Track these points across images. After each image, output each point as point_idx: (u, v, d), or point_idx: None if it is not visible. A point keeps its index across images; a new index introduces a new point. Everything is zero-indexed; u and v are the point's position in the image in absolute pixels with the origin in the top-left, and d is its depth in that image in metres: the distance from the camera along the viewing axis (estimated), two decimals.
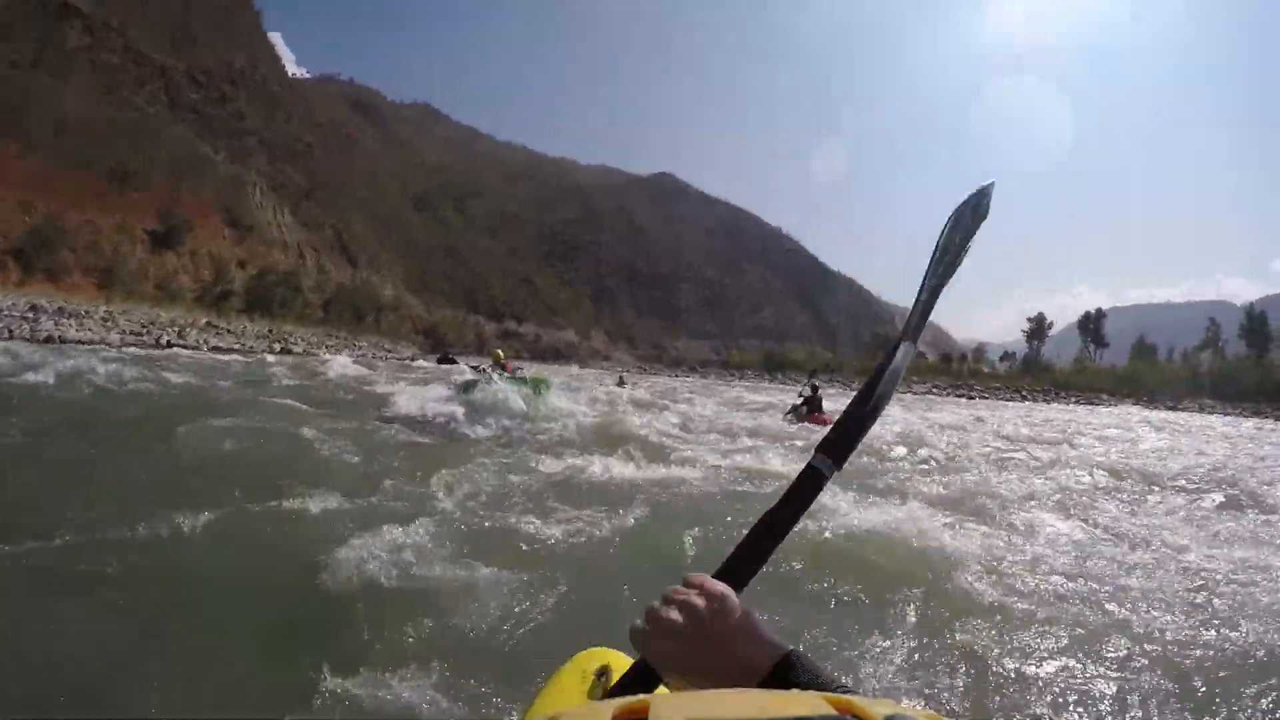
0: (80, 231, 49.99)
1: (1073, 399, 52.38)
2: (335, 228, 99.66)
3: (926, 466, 8.52)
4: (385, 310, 78.55)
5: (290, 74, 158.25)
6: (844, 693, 0.41)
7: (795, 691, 0.46)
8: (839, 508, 5.01)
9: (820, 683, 0.55)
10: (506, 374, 12.64)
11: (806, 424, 13.27)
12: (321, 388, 14.49)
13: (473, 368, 15.02)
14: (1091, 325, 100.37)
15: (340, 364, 23.10)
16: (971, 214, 1.07)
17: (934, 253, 1.03)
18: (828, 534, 4.46)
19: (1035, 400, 50.66)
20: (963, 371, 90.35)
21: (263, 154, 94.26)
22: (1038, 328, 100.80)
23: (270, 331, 43.46)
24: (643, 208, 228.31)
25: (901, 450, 9.69)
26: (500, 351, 14.98)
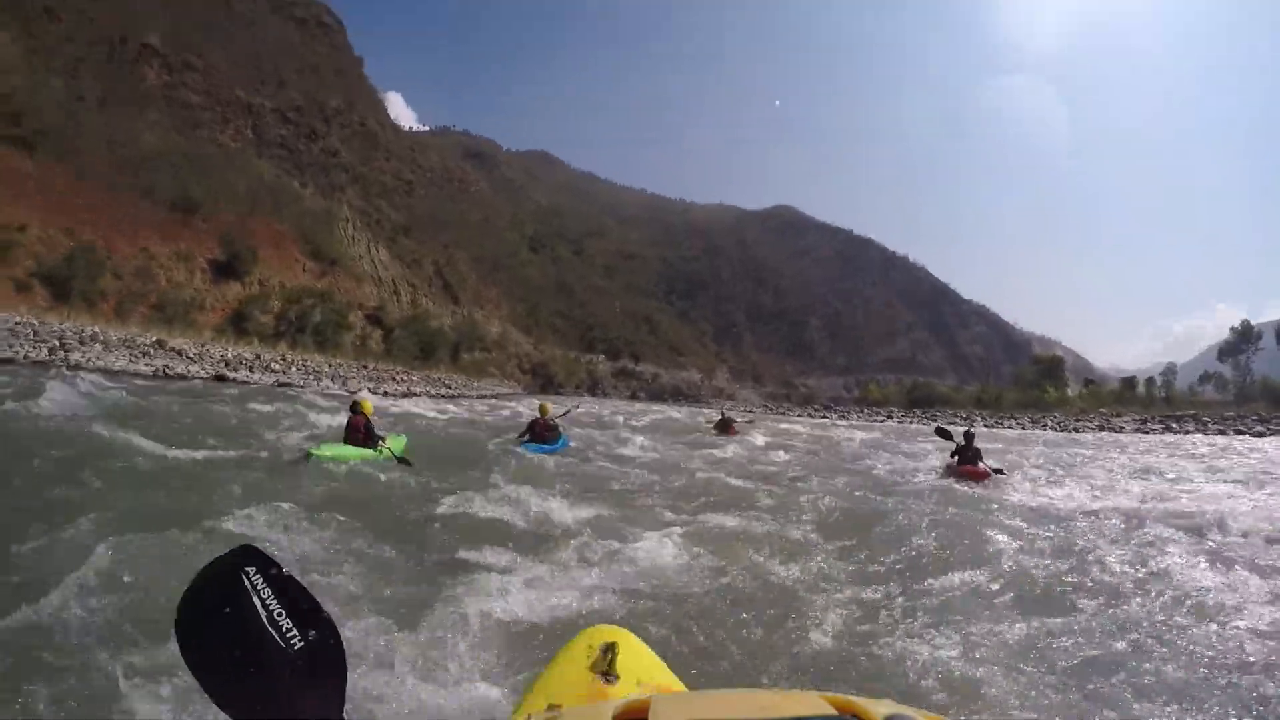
0: (132, 259, 45.86)
1: None
2: (437, 264, 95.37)
3: None
4: (473, 346, 71.15)
5: (407, 129, 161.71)
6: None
7: (795, 691, 0.45)
8: None
9: None
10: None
11: (960, 477, 10.29)
12: None
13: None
14: None
15: None
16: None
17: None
18: None
19: None
20: (1152, 399, 68.25)
21: (356, 188, 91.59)
22: (1242, 338, 75.77)
23: (258, 358, 35.45)
24: (762, 242, 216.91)
25: None
26: (369, 400, 9.30)
